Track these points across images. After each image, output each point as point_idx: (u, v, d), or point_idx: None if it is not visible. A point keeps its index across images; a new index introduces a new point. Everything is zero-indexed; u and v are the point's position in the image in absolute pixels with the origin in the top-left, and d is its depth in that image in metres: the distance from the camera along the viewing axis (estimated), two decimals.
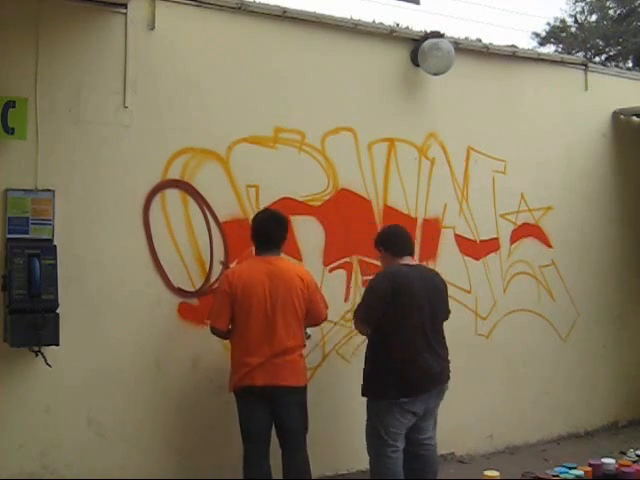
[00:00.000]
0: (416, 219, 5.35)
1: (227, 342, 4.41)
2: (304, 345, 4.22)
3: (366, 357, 4.35)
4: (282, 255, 4.31)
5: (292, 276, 4.13)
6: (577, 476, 2.91)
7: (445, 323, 4.43)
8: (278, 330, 4.04)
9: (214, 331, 4.19)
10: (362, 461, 5.06)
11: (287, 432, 4.13)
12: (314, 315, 4.27)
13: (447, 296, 4.45)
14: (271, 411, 4.09)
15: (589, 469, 2.96)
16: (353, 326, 4.53)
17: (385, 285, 4.19)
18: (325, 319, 4.43)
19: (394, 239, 4.43)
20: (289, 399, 4.07)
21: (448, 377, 4.35)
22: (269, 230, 4.21)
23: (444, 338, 4.36)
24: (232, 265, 4.61)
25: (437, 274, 4.50)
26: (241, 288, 4.06)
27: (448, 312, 4.47)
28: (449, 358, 4.35)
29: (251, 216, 4.70)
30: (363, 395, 4.32)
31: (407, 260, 4.35)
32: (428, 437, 4.36)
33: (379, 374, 4.22)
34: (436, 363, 4.23)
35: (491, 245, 5.75)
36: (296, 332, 4.12)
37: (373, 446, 4.30)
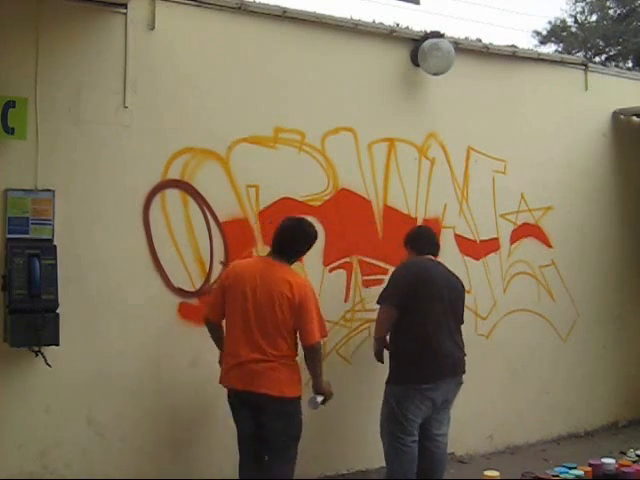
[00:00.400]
0: (416, 219, 5.34)
1: None
2: (290, 355, 3.93)
3: (390, 343, 4.44)
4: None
5: (281, 282, 3.88)
6: (577, 476, 2.91)
7: None
8: (255, 334, 3.85)
9: (205, 321, 4.17)
10: (362, 461, 5.08)
11: (266, 442, 3.92)
12: (301, 332, 3.93)
13: (464, 299, 4.62)
14: (257, 416, 3.91)
15: (589, 469, 2.95)
16: (378, 316, 4.49)
17: (407, 273, 4.40)
18: (314, 344, 3.94)
19: (419, 238, 4.65)
20: (271, 409, 3.85)
21: (464, 370, 4.49)
22: (286, 240, 4.05)
23: (461, 335, 4.52)
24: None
25: (457, 276, 4.63)
26: (231, 281, 4.00)
27: (463, 317, 4.62)
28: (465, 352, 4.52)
29: (251, 216, 4.72)
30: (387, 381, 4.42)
31: (428, 257, 4.55)
32: (442, 433, 4.45)
33: (402, 359, 4.33)
34: (455, 353, 4.41)
35: (491, 245, 5.75)
36: (276, 340, 3.86)
37: (390, 432, 4.35)
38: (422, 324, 4.29)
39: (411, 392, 4.26)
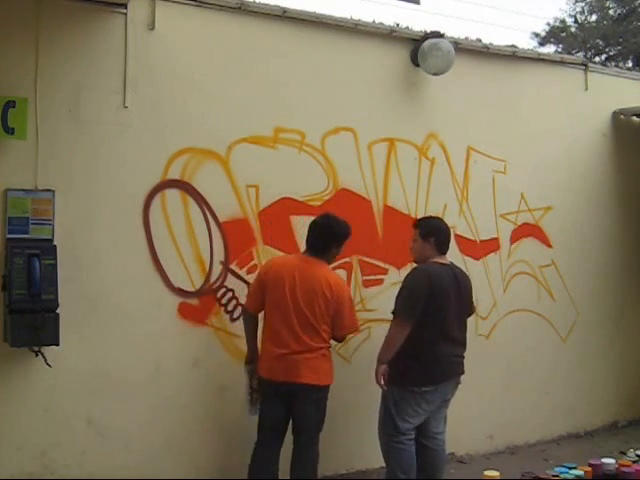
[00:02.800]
0: (416, 219, 5.34)
1: (226, 342, 4.45)
2: (326, 346, 4.21)
3: None
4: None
5: (321, 280, 4.16)
6: (577, 476, 2.91)
7: None
8: (296, 327, 4.11)
9: (245, 312, 4.38)
10: (362, 461, 5.08)
11: (299, 428, 4.21)
12: (336, 328, 4.24)
13: (472, 292, 4.62)
14: (288, 406, 4.18)
15: (589, 469, 2.96)
16: (390, 331, 4.31)
17: (424, 281, 4.29)
18: (343, 337, 4.39)
19: (444, 235, 4.52)
20: (307, 396, 4.13)
21: (463, 371, 4.51)
22: (321, 237, 4.28)
23: (465, 336, 4.53)
24: (232, 265, 4.64)
25: (463, 272, 4.63)
26: (272, 277, 4.20)
27: (473, 307, 4.70)
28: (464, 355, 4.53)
29: (251, 216, 4.72)
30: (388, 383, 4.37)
31: (442, 259, 4.47)
32: (440, 431, 4.47)
33: (403, 362, 4.28)
34: (456, 356, 4.42)
35: (491, 245, 5.74)
36: (314, 332, 4.14)
37: (385, 432, 4.36)
38: (429, 334, 4.26)
39: (408, 394, 4.26)
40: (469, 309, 4.61)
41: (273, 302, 4.18)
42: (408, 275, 4.49)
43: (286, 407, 4.18)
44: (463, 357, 4.50)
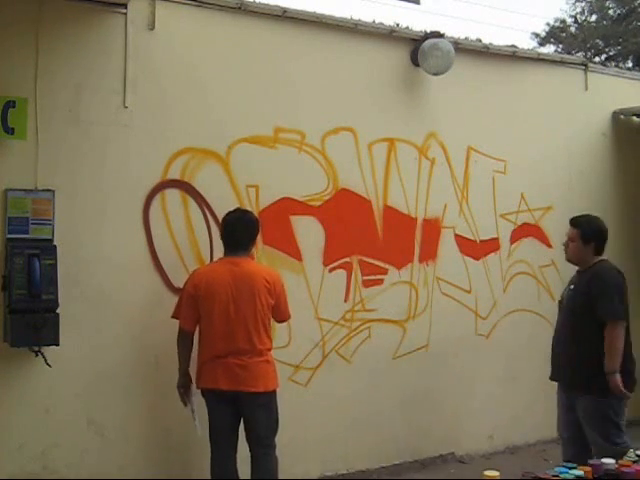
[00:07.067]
0: (416, 219, 5.35)
1: None
2: (270, 348, 4.15)
3: (583, 352, 4.24)
4: (252, 253, 4.31)
5: (257, 278, 4.10)
6: (577, 476, 2.90)
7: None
8: (240, 333, 4.02)
9: (181, 332, 4.19)
10: (362, 461, 5.07)
11: (253, 435, 4.13)
12: (278, 316, 4.26)
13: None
14: (237, 414, 4.13)
15: (589, 469, 2.95)
16: (613, 337, 4.07)
17: (621, 279, 4.22)
18: (285, 320, 4.38)
19: (604, 240, 4.31)
20: (256, 403, 4.06)
21: None
22: (236, 232, 4.18)
23: None
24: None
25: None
26: (204, 289, 4.07)
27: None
28: None
29: None
30: (586, 393, 4.18)
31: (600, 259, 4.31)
32: None
33: (602, 370, 4.07)
34: None
35: (491, 245, 5.75)
36: (259, 334, 4.06)
37: (616, 444, 4.02)
38: (627, 337, 4.15)
39: (623, 402, 4.13)
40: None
41: (210, 313, 4.05)
42: (602, 275, 4.22)
43: (232, 415, 4.11)
44: None
